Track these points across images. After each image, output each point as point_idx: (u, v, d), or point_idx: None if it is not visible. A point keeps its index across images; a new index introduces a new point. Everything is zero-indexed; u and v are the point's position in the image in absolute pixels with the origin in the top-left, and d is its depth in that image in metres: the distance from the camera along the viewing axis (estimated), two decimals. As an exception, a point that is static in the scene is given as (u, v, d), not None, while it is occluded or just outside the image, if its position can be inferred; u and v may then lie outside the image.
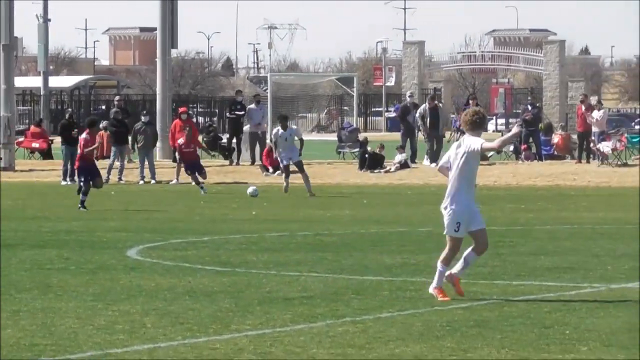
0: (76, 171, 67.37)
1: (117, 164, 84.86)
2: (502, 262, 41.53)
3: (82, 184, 64.90)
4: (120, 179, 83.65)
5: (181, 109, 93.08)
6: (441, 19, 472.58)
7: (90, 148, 64.00)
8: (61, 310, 32.25)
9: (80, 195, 64.14)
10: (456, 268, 32.61)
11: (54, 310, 32.20)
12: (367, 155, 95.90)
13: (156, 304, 32.94)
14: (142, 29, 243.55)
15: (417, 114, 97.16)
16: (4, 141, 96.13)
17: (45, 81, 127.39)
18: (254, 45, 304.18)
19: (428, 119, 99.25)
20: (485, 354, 25.11)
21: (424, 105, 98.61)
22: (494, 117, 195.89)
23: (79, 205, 63.06)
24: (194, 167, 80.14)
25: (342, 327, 28.33)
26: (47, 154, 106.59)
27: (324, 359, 24.43)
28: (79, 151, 67.11)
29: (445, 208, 33.02)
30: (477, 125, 33.60)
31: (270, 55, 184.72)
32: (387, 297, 33.44)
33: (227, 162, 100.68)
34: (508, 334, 27.27)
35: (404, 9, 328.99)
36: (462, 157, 32.95)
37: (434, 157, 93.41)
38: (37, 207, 66.95)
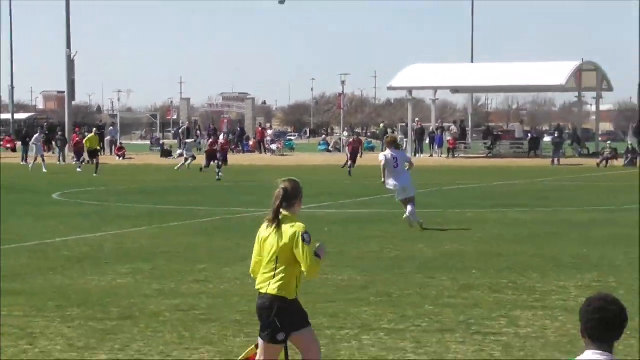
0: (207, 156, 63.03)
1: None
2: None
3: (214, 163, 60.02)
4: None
5: (77, 128, 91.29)
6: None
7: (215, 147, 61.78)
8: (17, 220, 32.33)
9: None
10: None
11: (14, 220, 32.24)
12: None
13: (65, 219, 32.38)
14: (59, 92, 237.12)
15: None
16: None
17: (12, 116, 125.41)
18: (110, 99, 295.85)
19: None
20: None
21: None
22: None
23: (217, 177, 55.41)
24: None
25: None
26: (13, 150, 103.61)
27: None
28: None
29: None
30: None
31: (119, 104, 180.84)
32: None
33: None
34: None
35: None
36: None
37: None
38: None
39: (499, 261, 22.76)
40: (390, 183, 30.27)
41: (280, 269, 10.99)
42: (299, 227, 10.95)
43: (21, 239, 27.13)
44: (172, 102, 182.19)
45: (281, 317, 10.81)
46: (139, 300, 17.94)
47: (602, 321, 7.29)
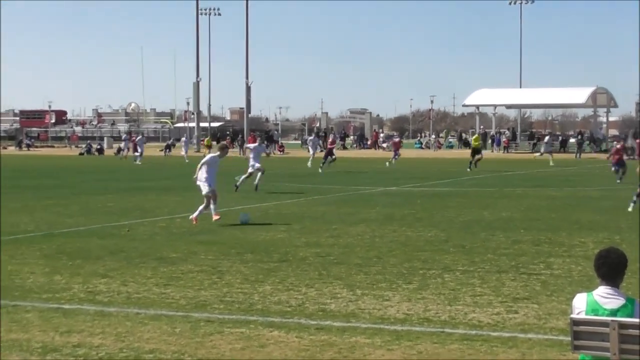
0: None
1: None
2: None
3: None
4: None
5: (252, 133, 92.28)
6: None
7: None
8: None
9: None
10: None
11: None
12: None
13: (243, 194, 31.88)
14: (240, 108, 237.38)
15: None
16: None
17: (209, 124, 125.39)
18: (274, 113, 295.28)
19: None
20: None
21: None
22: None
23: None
24: None
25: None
26: (209, 147, 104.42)
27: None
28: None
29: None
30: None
31: (280, 116, 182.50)
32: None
33: None
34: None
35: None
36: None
37: None
38: None
39: (538, 224, 22.43)
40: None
41: None
42: None
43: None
44: (315, 114, 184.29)
45: None
46: (291, 249, 17.91)
47: (606, 265, 7.22)
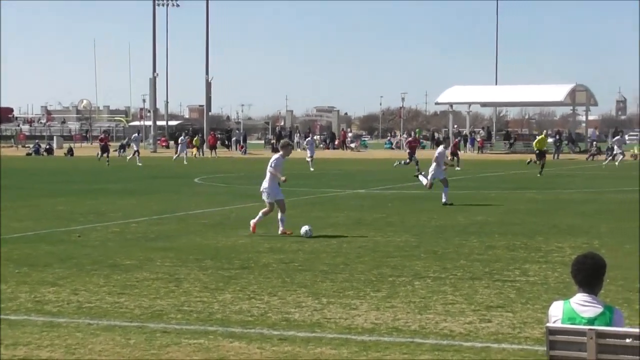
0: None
1: None
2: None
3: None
4: None
5: (212, 132, 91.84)
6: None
7: None
8: (169, 196, 32.45)
9: None
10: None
11: (167, 197, 32.47)
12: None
13: (203, 197, 31.97)
14: (199, 105, 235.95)
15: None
16: None
17: (167, 123, 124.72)
18: (236, 111, 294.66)
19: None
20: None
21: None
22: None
23: None
24: None
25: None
26: (167, 147, 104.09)
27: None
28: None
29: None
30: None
31: (242, 114, 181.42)
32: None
33: None
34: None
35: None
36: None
37: None
38: None
39: (514, 228, 22.55)
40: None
41: None
42: None
43: (172, 210, 27.24)
44: (280, 112, 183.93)
45: None
46: (254, 255, 17.91)
47: (583, 271, 7.28)
